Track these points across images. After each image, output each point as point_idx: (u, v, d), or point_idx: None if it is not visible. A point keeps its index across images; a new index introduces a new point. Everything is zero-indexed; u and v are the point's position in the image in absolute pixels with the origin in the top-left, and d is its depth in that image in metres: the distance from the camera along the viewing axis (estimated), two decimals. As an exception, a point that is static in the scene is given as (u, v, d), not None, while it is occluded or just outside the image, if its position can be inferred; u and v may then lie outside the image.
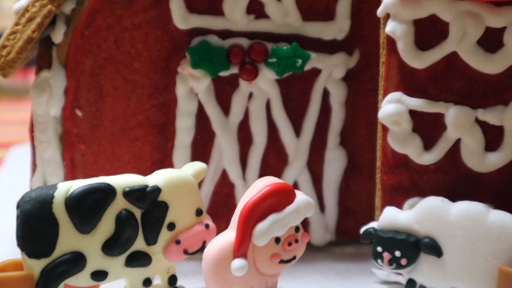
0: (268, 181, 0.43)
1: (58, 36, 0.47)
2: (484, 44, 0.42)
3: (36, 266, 0.41)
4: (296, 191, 0.43)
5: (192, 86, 0.48)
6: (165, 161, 0.50)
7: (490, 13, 0.42)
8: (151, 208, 0.43)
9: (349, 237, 0.52)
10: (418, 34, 0.43)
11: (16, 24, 0.47)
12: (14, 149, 0.74)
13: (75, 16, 0.47)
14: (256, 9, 0.48)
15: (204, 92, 0.49)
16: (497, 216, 0.42)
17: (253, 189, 0.43)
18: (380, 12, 0.43)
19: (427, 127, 0.44)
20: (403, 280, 0.45)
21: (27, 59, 0.49)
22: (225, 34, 0.48)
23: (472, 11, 0.42)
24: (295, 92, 0.50)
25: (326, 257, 0.52)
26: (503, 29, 0.42)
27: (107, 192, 0.42)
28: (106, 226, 0.42)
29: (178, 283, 0.46)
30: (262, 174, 0.50)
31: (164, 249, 0.44)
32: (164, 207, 0.43)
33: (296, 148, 0.50)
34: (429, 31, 0.43)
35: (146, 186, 0.42)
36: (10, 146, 0.75)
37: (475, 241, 0.42)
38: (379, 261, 0.44)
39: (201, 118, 0.49)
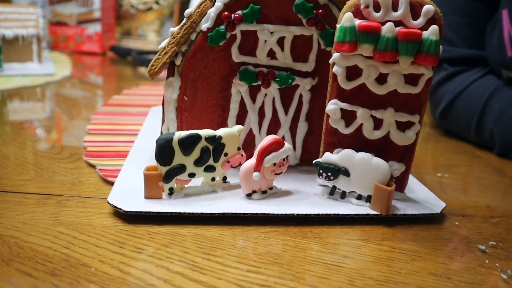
0: (272, 137, 0.43)
1: (178, 61, 0.46)
2: (378, 80, 0.42)
3: (164, 169, 0.41)
4: (285, 142, 0.43)
5: (239, 88, 0.48)
6: (224, 124, 0.49)
7: (382, 66, 0.41)
8: (217, 145, 0.42)
9: (306, 162, 0.52)
10: (347, 73, 0.42)
11: (159, 54, 0.46)
12: (154, 108, 0.72)
13: (186, 53, 0.46)
14: (271, 54, 0.47)
15: (244, 92, 0.48)
16: (376, 160, 0.42)
17: (265, 140, 0.42)
18: (331, 61, 0.42)
19: (348, 117, 0.43)
20: (330, 185, 0.44)
21: (163, 71, 0.47)
22: (256, 65, 0.47)
23: (374, 64, 0.41)
24: (286, 94, 0.49)
25: (295, 171, 0.51)
26: (387, 74, 0.41)
27: (197, 138, 0.41)
28: (196, 153, 0.41)
29: (227, 180, 0.45)
30: (268, 132, 0.49)
31: (222, 164, 0.43)
32: (223, 146, 0.43)
33: (285, 120, 0.50)
34: (353, 72, 0.42)
35: (215, 135, 0.42)
36: (152, 107, 0.74)
37: (365, 171, 0.42)
38: (320, 177, 0.44)
39: (242, 104, 0.48)
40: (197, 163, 0.42)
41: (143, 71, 1.13)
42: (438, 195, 0.47)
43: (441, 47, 0.39)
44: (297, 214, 0.41)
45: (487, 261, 0.37)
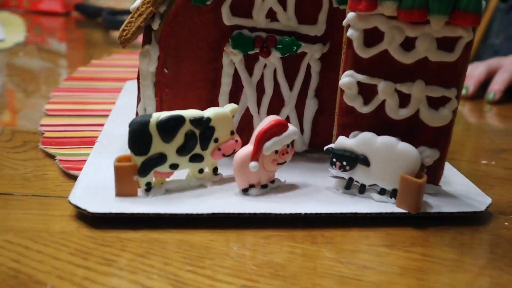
0: (273, 118, 0.42)
1: (155, 25, 0.46)
2: (404, 46, 0.41)
3: (139, 160, 0.40)
4: (289, 124, 0.43)
5: (232, 58, 0.47)
6: (214, 102, 0.49)
7: (408, 28, 0.40)
8: (205, 129, 0.42)
9: (316, 149, 0.52)
10: (366, 38, 0.41)
11: (131, 17, 0.45)
12: (129, 83, 0.73)
13: (166, 14, 0.45)
14: (271, 15, 0.46)
15: (238, 62, 0.47)
16: (402, 145, 0.41)
17: (264, 122, 0.42)
18: (344, 22, 0.41)
19: (366, 92, 0.43)
20: (346, 177, 0.44)
21: (137, 37, 0.47)
22: (252, 29, 0.47)
23: (398, 26, 0.40)
24: (291, 65, 0.48)
25: (303, 159, 0.51)
26: (415, 38, 0.40)
27: (180, 120, 0.41)
28: (179, 139, 0.41)
29: (218, 172, 0.45)
30: (269, 111, 0.49)
31: (211, 153, 0.43)
32: (212, 129, 0.42)
33: (289, 97, 0.49)
34: (372, 36, 0.41)
35: (203, 117, 0.42)
36: (127, 81, 0.74)
37: (389, 159, 0.42)
38: (333, 166, 0.43)
39: (236, 77, 0.48)
40: (181, 151, 0.41)
41: (116, 35, 1.12)
42: (482, 189, 0.47)
43: (483, 2, 0.38)
44: (305, 214, 0.40)
45: (541, 271, 0.37)
